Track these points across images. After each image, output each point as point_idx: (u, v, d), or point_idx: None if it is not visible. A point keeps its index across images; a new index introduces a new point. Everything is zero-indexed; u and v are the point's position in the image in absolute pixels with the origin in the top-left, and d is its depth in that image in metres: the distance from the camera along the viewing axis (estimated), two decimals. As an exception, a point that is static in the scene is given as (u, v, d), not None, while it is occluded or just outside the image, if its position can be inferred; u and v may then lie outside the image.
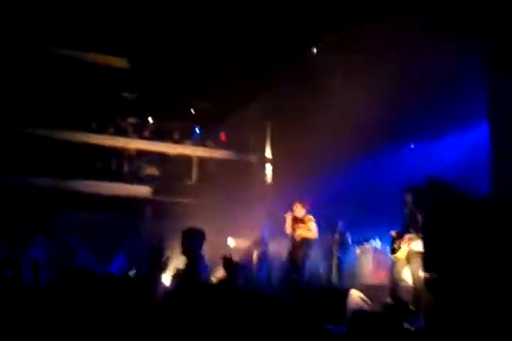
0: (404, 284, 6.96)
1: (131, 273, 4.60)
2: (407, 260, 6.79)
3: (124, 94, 14.86)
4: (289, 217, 8.82)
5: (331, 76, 10.14)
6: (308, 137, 11.62)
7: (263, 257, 10.82)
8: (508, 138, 7.03)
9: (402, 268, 6.88)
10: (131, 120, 14.09)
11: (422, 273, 6.05)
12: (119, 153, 13.05)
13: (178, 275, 6.36)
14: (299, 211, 8.84)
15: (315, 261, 9.41)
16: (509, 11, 6.72)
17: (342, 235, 9.60)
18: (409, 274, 6.88)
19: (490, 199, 5.24)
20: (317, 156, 11.51)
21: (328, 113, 10.46)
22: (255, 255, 10.83)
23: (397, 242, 6.89)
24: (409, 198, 6.93)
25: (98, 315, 4.13)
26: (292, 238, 8.77)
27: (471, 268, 4.91)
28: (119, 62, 13.98)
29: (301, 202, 8.95)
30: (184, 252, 5.05)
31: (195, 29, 11.54)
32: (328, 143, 10.97)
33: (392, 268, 6.99)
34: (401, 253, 6.82)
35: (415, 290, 6.53)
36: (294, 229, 8.74)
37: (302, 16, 9.75)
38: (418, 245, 6.58)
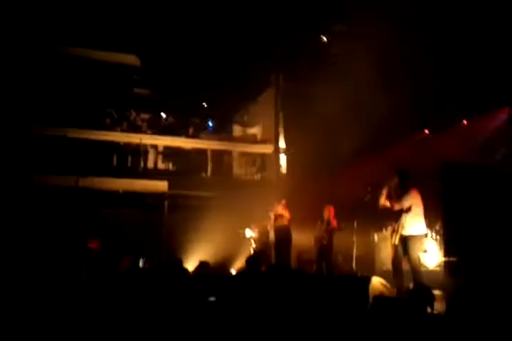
0: (424, 269, 6.92)
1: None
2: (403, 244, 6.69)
3: (136, 91, 14.94)
4: None
5: (343, 64, 10.13)
6: (321, 128, 11.60)
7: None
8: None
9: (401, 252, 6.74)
10: (145, 116, 14.14)
11: (443, 257, 6.03)
12: (134, 149, 13.10)
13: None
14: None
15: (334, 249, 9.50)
16: None
17: None
18: (428, 259, 6.82)
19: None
20: (331, 147, 11.49)
21: (339, 103, 10.44)
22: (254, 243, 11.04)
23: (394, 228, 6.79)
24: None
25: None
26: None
27: (493, 252, 4.91)
28: (129, 59, 14.03)
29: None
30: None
31: (203, 23, 11.57)
32: (341, 134, 10.96)
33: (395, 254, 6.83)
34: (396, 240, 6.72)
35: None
36: None
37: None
38: (410, 229, 6.58)
